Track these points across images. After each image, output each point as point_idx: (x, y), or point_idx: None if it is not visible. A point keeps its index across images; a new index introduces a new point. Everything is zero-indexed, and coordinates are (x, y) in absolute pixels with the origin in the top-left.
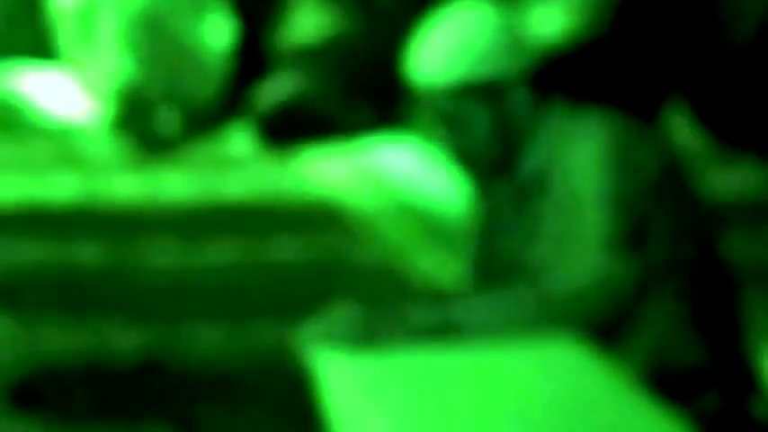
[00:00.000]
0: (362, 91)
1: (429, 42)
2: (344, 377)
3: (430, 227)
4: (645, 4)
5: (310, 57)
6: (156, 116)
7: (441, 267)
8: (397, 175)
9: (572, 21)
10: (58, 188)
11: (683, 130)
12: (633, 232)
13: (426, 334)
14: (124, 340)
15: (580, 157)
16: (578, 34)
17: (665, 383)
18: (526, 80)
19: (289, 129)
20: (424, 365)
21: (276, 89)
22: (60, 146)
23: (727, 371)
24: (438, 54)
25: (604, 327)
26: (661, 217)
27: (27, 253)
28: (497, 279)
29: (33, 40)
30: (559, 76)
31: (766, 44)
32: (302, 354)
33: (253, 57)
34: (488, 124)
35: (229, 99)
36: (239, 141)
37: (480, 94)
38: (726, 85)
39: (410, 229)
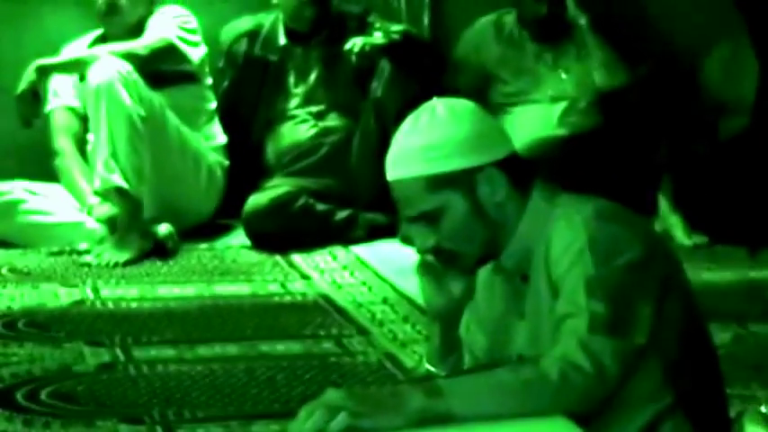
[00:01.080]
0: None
1: (400, 138)
2: None
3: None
4: (638, 90)
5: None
6: (154, 231)
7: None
8: (391, 267)
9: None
10: (52, 295)
11: (671, 218)
12: (618, 317)
13: (418, 422)
14: None
15: (562, 243)
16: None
17: None
18: (503, 167)
19: (273, 229)
20: None
21: (262, 192)
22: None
23: None
24: (408, 150)
25: (592, 410)
26: (645, 300)
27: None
28: (482, 364)
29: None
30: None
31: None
32: None
33: (252, 164)
34: (465, 215)
35: (228, 205)
36: (236, 246)
37: (455, 184)
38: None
39: (408, 319)
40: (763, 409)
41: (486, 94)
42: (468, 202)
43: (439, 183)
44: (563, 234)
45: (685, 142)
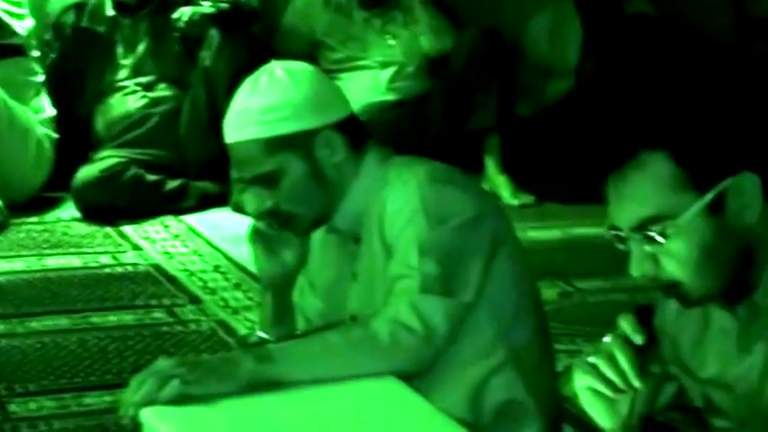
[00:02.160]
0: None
1: (239, 100)
2: None
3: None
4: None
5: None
6: None
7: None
8: (222, 235)
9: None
10: None
11: (498, 178)
12: (449, 276)
13: (249, 386)
14: None
15: (395, 205)
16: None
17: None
18: (341, 129)
19: (103, 201)
20: (247, 417)
21: (92, 164)
22: None
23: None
24: (247, 112)
25: (423, 369)
26: (476, 259)
27: None
28: (316, 326)
29: None
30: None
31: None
32: (128, 416)
33: (82, 136)
34: (303, 177)
35: (58, 178)
36: (66, 219)
37: (292, 147)
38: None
39: (240, 286)
40: (590, 359)
41: (315, 60)
42: (305, 164)
43: (277, 145)
44: (396, 196)
45: (511, 105)
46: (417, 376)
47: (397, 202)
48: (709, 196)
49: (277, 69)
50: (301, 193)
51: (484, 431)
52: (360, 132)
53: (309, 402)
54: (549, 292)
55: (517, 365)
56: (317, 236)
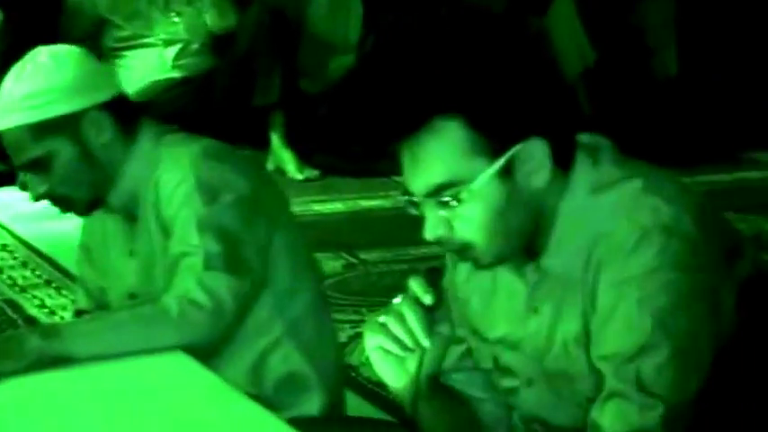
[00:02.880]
0: None
1: (5, 88)
2: None
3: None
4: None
5: None
6: None
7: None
8: (9, 213)
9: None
10: None
11: (283, 154)
12: (230, 253)
13: (38, 364)
14: None
15: (171, 183)
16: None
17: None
18: (109, 109)
19: None
20: (33, 394)
21: None
22: None
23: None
24: (12, 99)
25: (212, 344)
26: (253, 235)
27: None
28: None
29: None
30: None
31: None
32: None
33: None
34: (72, 159)
35: None
36: None
37: (59, 130)
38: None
39: (28, 264)
40: (381, 319)
41: (100, 39)
42: (74, 146)
43: (43, 130)
44: (170, 175)
45: (294, 81)
46: (205, 351)
47: (172, 180)
48: (500, 161)
49: (41, 55)
50: (72, 175)
51: (267, 403)
52: (130, 111)
53: (98, 378)
54: (333, 264)
55: (295, 338)
56: (96, 214)
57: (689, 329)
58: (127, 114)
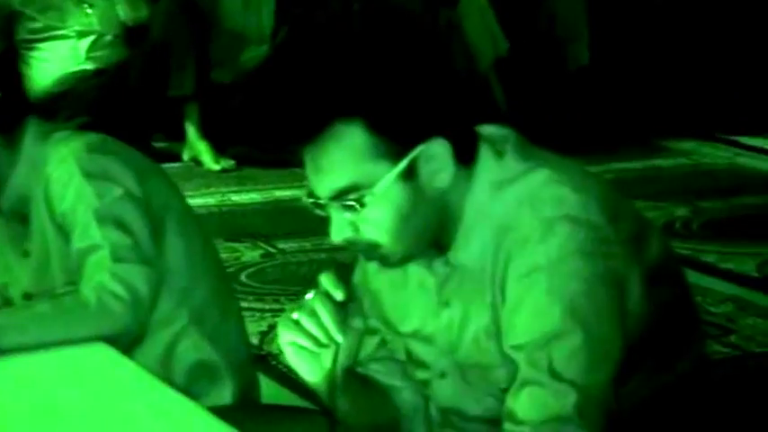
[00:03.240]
0: None
1: None
2: None
3: None
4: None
5: None
6: None
7: None
8: None
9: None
10: None
11: (199, 145)
12: (133, 241)
13: None
14: None
15: (60, 180)
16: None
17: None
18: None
19: None
20: None
21: None
22: None
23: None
24: None
25: (132, 334)
26: (145, 224)
27: None
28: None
29: None
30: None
31: None
32: None
33: None
34: None
35: None
36: None
37: None
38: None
39: None
40: (294, 315)
41: (13, 32)
42: None
43: None
44: (58, 174)
45: (207, 72)
46: (125, 342)
47: (61, 178)
48: (402, 164)
49: None
50: None
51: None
52: (14, 112)
53: (19, 370)
54: (251, 254)
55: (201, 327)
56: None
57: (598, 315)
58: (10, 115)
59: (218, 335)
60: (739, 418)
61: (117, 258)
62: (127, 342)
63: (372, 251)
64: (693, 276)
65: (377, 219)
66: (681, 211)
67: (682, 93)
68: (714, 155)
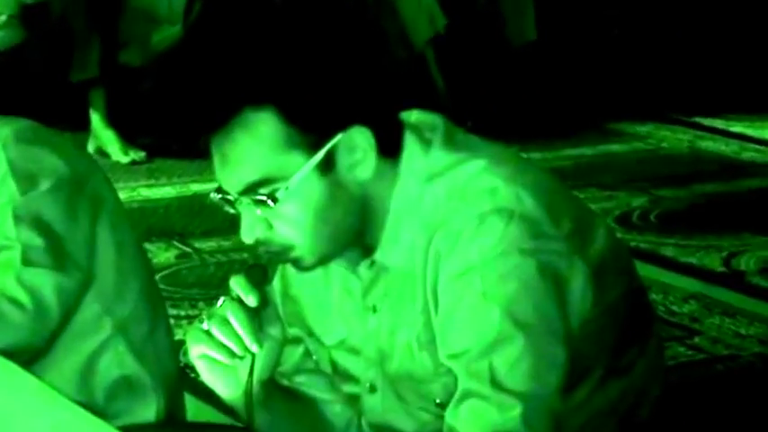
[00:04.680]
0: None
1: None
2: None
3: None
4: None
5: None
6: None
7: None
8: None
9: None
10: None
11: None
12: (52, 245)
13: None
14: None
15: None
16: None
17: None
18: None
19: None
20: None
21: None
22: None
23: None
24: None
25: (36, 347)
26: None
27: None
28: None
29: None
30: None
31: None
32: None
33: None
34: None
35: None
36: None
37: None
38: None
39: None
40: (204, 325)
41: None
42: None
43: None
44: None
45: (115, 54)
46: (27, 355)
47: None
48: (318, 156)
49: None
50: None
51: (98, 411)
52: None
53: None
54: (165, 255)
55: (125, 339)
56: None
57: (539, 317)
58: None
59: (145, 346)
60: (708, 426)
61: (28, 261)
62: (27, 356)
63: (286, 252)
64: (653, 272)
65: (291, 215)
66: (638, 201)
67: (637, 71)
68: (672, 138)
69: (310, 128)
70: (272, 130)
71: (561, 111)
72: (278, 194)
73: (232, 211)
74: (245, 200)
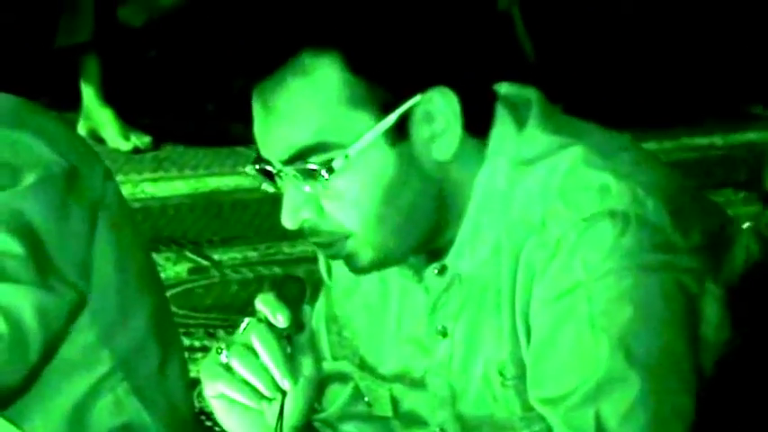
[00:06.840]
0: None
1: None
2: None
3: None
4: None
5: None
6: None
7: None
8: None
9: None
10: None
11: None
12: (35, 258)
13: None
14: None
15: None
16: None
17: None
18: None
19: None
20: None
21: None
22: None
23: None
24: None
25: (14, 385)
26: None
27: None
28: None
29: None
30: None
31: None
32: None
33: None
34: None
35: None
36: None
37: None
38: None
39: None
40: (222, 357)
41: None
42: None
43: None
44: None
45: (112, 12)
46: (3, 396)
47: None
48: (390, 118)
49: None
50: None
51: None
52: None
53: None
54: (175, 269)
55: (128, 377)
56: None
57: (662, 353)
58: None
59: (151, 387)
60: None
61: (4, 276)
62: (1, 397)
63: (338, 243)
64: None
65: (349, 193)
66: None
67: None
68: None
69: (382, 82)
70: (333, 81)
71: (684, 89)
72: (334, 164)
73: (272, 189)
74: (292, 171)
